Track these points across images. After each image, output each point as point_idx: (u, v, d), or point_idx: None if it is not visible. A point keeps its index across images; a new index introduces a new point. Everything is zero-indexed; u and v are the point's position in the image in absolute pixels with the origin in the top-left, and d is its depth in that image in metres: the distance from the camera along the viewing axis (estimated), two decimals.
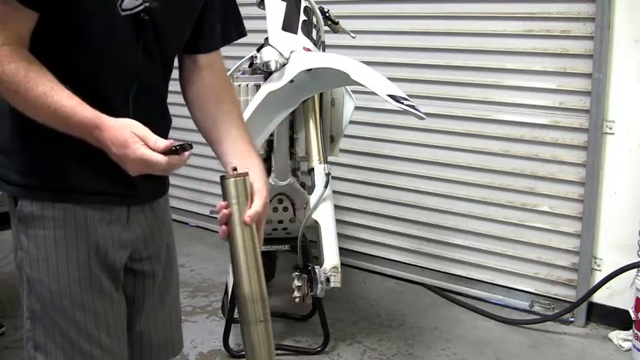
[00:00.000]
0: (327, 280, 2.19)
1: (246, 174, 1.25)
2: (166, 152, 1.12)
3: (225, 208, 1.22)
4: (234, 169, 1.26)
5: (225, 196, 1.23)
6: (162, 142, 1.12)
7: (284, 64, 2.22)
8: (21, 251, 1.24)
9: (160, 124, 1.30)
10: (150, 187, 1.33)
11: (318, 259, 2.28)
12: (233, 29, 1.43)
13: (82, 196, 1.23)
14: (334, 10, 2.80)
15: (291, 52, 2.24)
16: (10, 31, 1.11)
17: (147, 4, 1.19)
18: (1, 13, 1.10)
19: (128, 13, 1.17)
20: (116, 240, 1.28)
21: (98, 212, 1.24)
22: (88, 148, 1.16)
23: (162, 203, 1.41)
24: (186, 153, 1.13)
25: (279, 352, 2.62)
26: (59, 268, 1.21)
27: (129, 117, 1.16)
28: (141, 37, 1.20)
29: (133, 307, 1.37)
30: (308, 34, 2.41)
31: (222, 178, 1.23)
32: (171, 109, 1.39)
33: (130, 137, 1.11)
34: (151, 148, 1.11)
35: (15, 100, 1.13)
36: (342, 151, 3.01)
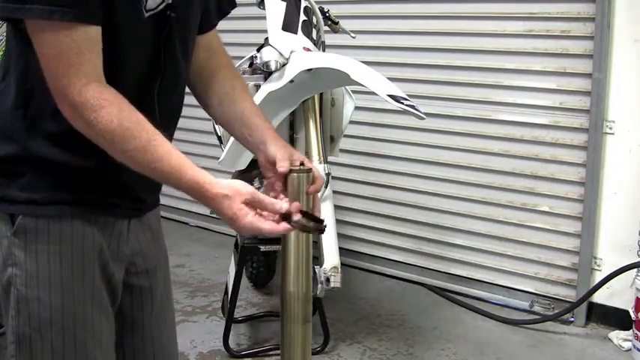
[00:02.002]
0: (327, 280, 2.19)
1: (310, 170, 1.22)
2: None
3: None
4: (302, 163, 1.23)
5: (285, 188, 1.21)
6: (285, 207, 1.12)
7: (284, 64, 2.22)
8: (14, 267, 1.15)
9: (177, 118, 1.31)
10: (152, 198, 1.33)
11: (318, 259, 2.28)
12: (225, 2, 1.39)
13: (88, 209, 1.18)
14: (334, 10, 2.80)
15: (291, 52, 2.24)
16: (89, 60, 1.03)
17: (169, 1, 1.15)
18: (73, 41, 1.01)
19: (152, 12, 1.13)
20: (116, 254, 1.24)
21: (101, 226, 1.20)
22: (98, 166, 1.14)
23: (155, 214, 1.37)
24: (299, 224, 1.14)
25: (278, 351, 2.62)
26: (63, 284, 1.15)
27: (155, 114, 1.14)
28: (164, 34, 1.17)
29: (131, 321, 1.32)
30: (308, 34, 2.41)
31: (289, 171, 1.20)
32: None
33: (238, 210, 1.09)
34: (271, 210, 1.11)
35: (110, 150, 1.08)
36: (342, 151, 3.01)
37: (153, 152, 1.07)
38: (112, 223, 1.22)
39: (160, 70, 1.20)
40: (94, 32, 1.04)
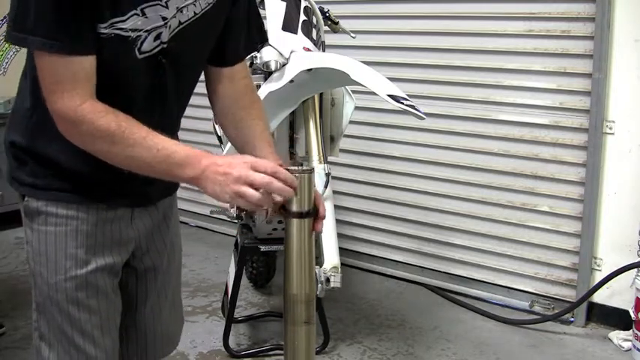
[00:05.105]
0: (327, 280, 2.19)
1: (312, 170, 1.21)
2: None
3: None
4: (301, 164, 1.24)
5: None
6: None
7: (284, 64, 2.22)
8: (27, 244, 1.29)
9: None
10: (158, 192, 1.37)
11: (318, 259, 2.28)
12: (256, 37, 1.44)
13: (83, 198, 1.25)
14: (334, 10, 2.80)
15: (291, 52, 2.24)
16: (83, 86, 1.12)
17: (164, 46, 1.19)
18: (69, 70, 1.10)
19: (146, 55, 1.18)
20: (118, 239, 1.30)
21: (103, 212, 1.27)
22: (91, 171, 1.21)
23: (166, 201, 1.42)
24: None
25: (278, 351, 2.62)
26: (57, 264, 1.24)
27: None
28: (157, 77, 1.22)
29: (135, 303, 1.40)
30: (308, 34, 2.41)
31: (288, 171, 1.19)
32: None
33: (243, 162, 1.13)
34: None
35: (110, 151, 1.14)
36: (342, 151, 3.01)
37: (152, 139, 1.13)
38: (114, 208, 1.28)
39: (151, 113, 1.24)
40: (89, 63, 1.12)
